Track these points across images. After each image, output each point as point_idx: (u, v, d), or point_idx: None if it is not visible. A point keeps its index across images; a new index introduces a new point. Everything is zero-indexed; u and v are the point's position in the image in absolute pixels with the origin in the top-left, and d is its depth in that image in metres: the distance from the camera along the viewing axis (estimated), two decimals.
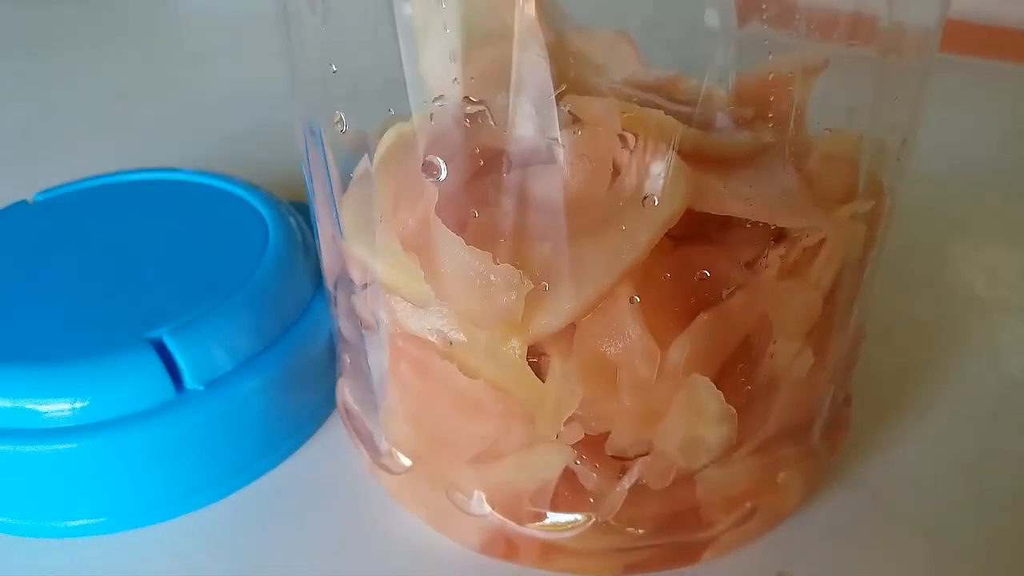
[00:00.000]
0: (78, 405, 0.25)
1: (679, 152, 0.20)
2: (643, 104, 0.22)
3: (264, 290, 0.28)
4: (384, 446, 0.25)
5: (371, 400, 0.25)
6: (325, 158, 0.21)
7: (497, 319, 0.19)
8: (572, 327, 0.20)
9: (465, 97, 0.18)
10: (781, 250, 0.21)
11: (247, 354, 0.27)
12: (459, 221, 0.20)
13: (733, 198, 0.19)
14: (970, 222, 0.40)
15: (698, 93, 0.25)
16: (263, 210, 0.32)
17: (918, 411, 0.29)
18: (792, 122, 0.23)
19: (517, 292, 0.19)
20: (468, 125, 0.18)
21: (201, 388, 0.26)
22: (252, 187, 0.33)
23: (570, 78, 0.24)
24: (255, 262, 0.29)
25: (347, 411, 0.27)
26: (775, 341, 0.20)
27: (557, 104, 0.20)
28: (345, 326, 0.25)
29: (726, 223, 0.20)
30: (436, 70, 0.20)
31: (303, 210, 0.34)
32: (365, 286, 0.22)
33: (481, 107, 0.18)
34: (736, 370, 0.20)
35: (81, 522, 0.26)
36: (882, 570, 0.24)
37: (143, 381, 0.25)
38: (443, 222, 0.19)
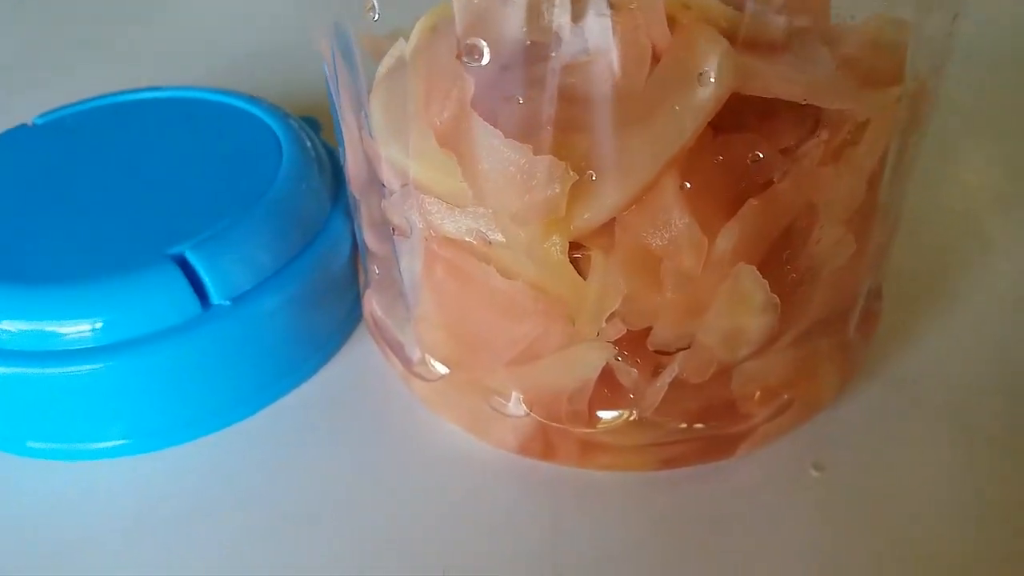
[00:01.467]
0: (102, 325, 0.25)
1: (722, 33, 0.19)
2: None
3: (282, 204, 0.28)
4: (417, 355, 0.25)
5: (402, 310, 0.25)
6: (353, 54, 0.20)
7: (540, 214, 0.19)
8: (613, 221, 0.20)
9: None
10: (824, 135, 0.20)
11: (270, 269, 0.27)
12: (495, 113, 0.19)
13: (779, 80, 0.19)
14: (992, 113, 0.39)
15: None
16: (274, 125, 0.31)
17: (945, 304, 0.29)
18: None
19: (561, 184, 0.18)
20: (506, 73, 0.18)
21: (228, 303, 0.26)
22: (261, 102, 0.32)
23: None
24: (271, 177, 0.28)
25: (376, 323, 0.27)
26: (821, 226, 0.20)
27: None
28: (371, 236, 0.24)
29: (766, 111, 0.20)
30: None
31: (313, 125, 0.33)
32: (395, 190, 0.22)
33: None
34: (781, 257, 0.20)
35: (109, 443, 0.26)
36: (914, 461, 0.25)
37: (168, 298, 0.25)
38: (479, 115, 0.19)
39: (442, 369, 0.24)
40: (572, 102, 0.20)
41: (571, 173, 0.18)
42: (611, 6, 0.20)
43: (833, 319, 0.23)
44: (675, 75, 0.19)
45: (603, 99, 0.19)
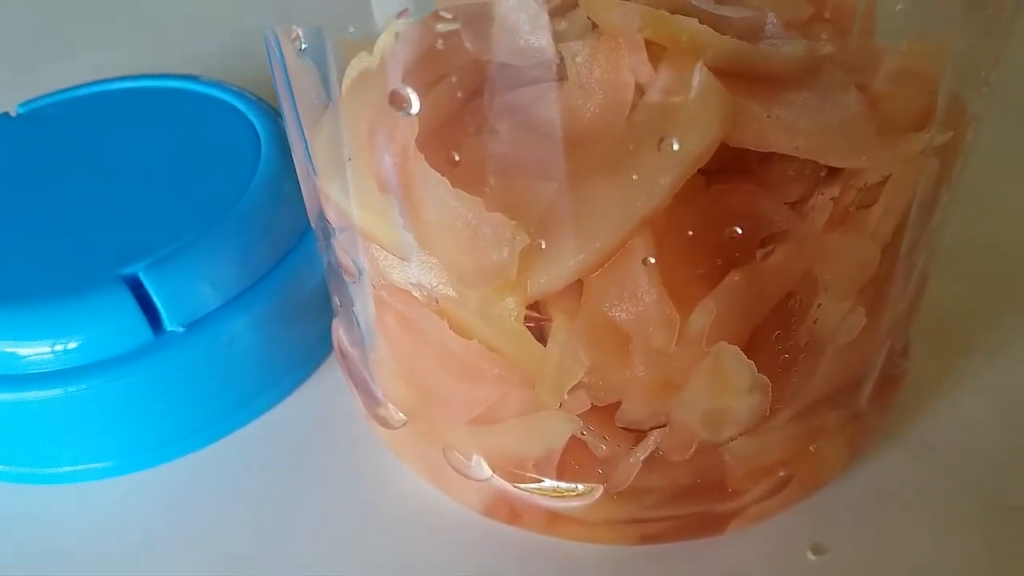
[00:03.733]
0: (49, 350, 0.23)
1: (715, 69, 0.16)
2: (677, 8, 0.19)
3: (254, 216, 0.26)
4: (380, 395, 0.23)
5: (363, 348, 0.22)
6: (288, 82, 0.18)
7: (488, 278, 0.16)
8: (580, 283, 0.17)
9: (434, 13, 0.15)
10: (835, 190, 0.17)
11: (234, 290, 0.25)
12: (446, 155, 0.17)
13: (777, 130, 0.16)
14: None
15: None
16: (255, 120, 0.29)
17: (986, 356, 0.26)
18: (856, 26, 0.20)
19: (509, 248, 0.16)
20: (442, 47, 0.15)
21: (181, 330, 0.24)
22: (244, 93, 0.30)
23: None
24: (246, 180, 0.26)
25: (343, 354, 0.25)
26: (820, 304, 0.17)
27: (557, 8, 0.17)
28: (329, 269, 0.22)
29: (770, 154, 0.17)
30: None
31: None
32: (342, 229, 0.19)
33: (455, 24, 0.15)
34: (772, 336, 0.17)
35: (60, 469, 0.25)
36: (930, 542, 0.22)
37: (117, 323, 0.23)
38: (425, 158, 0.16)
39: (402, 417, 0.22)
40: (537, 143, 0.17)
41: (520, 236, 0.16)
42: (593, 27, 0.18)
43: (842, 391, 0.20)
44: (653, 119, 0.16)
45: (573, 139, 0.17)
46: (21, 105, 0.31)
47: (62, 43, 0.47)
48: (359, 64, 0.16)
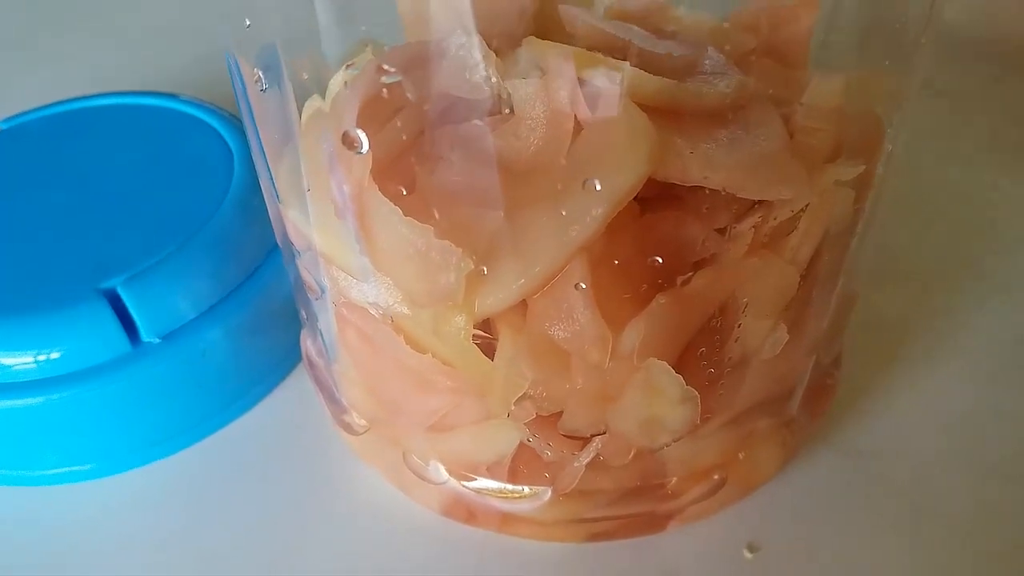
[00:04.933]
0: (32, 360, 0.24)
1: (646, 107, 0.18)
2: (616, 47, 0.20)
3: (227, 230, 0.27)
4: (345, 403, 0.24)
5: (328, 358, 0.24)
6: (252, 115, 0.19)
7: (437, 300, 0.18)
8: (524, 302, 0.19)
9: (378, 65, 0.16)
10: (755, 218, 0.19)
11: (207, 302, 0.26)
12: (396, 187, 0.18)
13: (700, 166, 0.17)
14: (994, 140, 0.37)
15: (688, 25, 0.23)
16: (229, 138, 0.30)
17: (916, 364, 0.27)
18: (788, 62, 0.21)
19: (456, 273, 0.17)
20: (387, 95, 0.16)
21: (157, 341, 0.25)
22: (218, 111, 0.31)
23: (534, 11, 0.22)
24: (219, 196, 0.28)
25: (311, 363, 0.26)
26: (740, 324, 0.18)
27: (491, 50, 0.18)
28: (295, 284, 0.23)
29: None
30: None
31: None
32: (306, 251, 0.21)
33: (397, 77, 0.16)
34: (698, 353, 0.19)
35: (51, 471, 0.26)
36: (859, 543, 0.23)
37: (97, 335, 0.25)
38: (379, 188, 0.18)
39: (365, 423, 0.24)
40: (489, 171, 0.18)
41: (466, 262, 0.17)
42: (539, 69, 0.19)
43: (772, 400, 0.22)
44: (589, 156, 0.18)
45: (515, 171, 0.18)
46: (3, 121, 0.32)
47: (36, 59, 0.47)
48: (312, 105, 0.18)
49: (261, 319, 0.27)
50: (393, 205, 0.18)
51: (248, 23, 0.17)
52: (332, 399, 0.25)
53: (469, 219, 0.18)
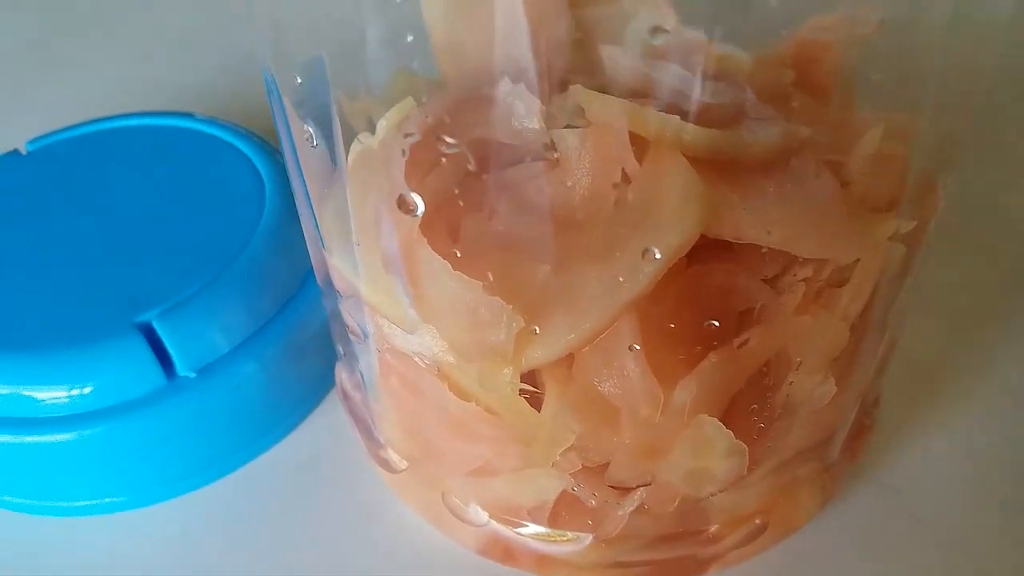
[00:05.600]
0: (67, 394, 0.24)
1: (695, 160, 0.17)
2: (659, 92, 0.20)
3: (261, 260, 0.27)
4: (381, 438, 0.24)
5: (366, 394, 0.24)
6: (297, 161, 0.19)
7: (485, 355, 0.18)
8: (571, 355, 0.18)
9: (439, 137, 0.16)
10: (807, 271, 0.18)
11: (243, 335, 0.26)
12: (447, 231, 0.18)
13: (755, 223, 0.17)
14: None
15: (725, 63, 0.23)
16: (258, 161, 0.30)
17: (955, 401, 0.27)
18: (835, 98, 0.21)
19: (507, 331, 0.17)
20: (446, 162, 0.16)
21: (193, 375, 0.25)
22: (246, 133, 0.31)
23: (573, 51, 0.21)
24: (252, 224, 0.27)
25: (345, 395, 0.26)
26: (791, 383, 0.18)
27: (551, 92, 0.18)
28: (333, 319, 0.23)
29: None
30: None
31: None
32: (350, 296, 0.20)
33: (457, 148, 0.16)
34: (749, 408, 0.18)
35: (84, 502, 0.26)
36: None
37: (132, 369, 0.24)
38: (428, 242, 0.18)
39: (404, 464, 0.23)
40: (536, 221, 0.18)
41: (517, 320, 0.17)
42: (584, 117, 0.19)
43: (814, 446, 0.22)
44: (638, 211, 0.17)
45: (561, 222, 0.18)
46: (30, 142, 0.32)
47: (58, 74, 0.47)
48: (356, 148, 0.18)
49: (295, 350, 0.27)
50: (443, 260, 0.17)
51: (299, 81, 0.17)
52: (368, 434, 0.25)
53: (517, 271, 0.18)
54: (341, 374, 0.26)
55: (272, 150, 0.31)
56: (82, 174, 0.31)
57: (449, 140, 0.16)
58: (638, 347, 0.17)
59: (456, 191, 0.18)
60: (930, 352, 0.28)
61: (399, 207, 0.16)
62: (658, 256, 0.16)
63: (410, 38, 0.20)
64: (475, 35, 0.20)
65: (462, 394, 0.19)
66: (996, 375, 0.28)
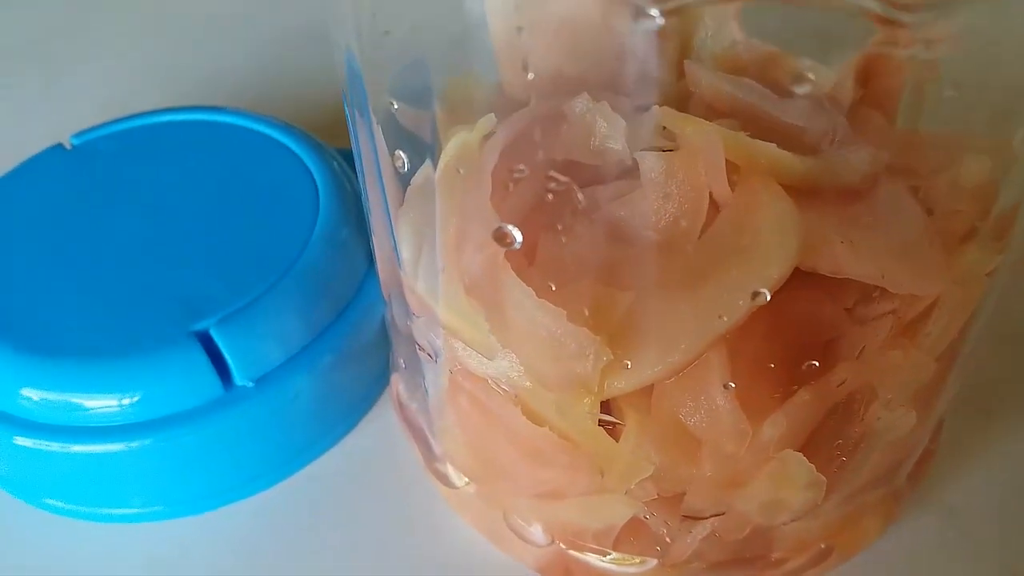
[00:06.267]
0: (123, 403, 0.24)
1: (788, 187, 0.17)
2: (745, 112, 0.20)
3: (317, 267, 0.26)
4: (440, 451, 0.24)
5: (426, 410, 0.24)
6: (381, 181, 0.19)
7: (569, 385, 0.18)
8: (651, 384, 0.18)
9: (549, 175, 0.15)
10: (893, 302, 0.18)
11: (298, 345, 0.26)
12: (525, 255, 0.18)
13: (855, 258, 0.17)
14: None
15: (801, 76, 0.22)
16: (310, 162, 0.29)
17: (1011, 421, 0.27)
18: (902, 116, 0.21)
19: (594, 363, 0.17)
20: (552, 199, 0.16)
21: (251, 385, 0.25)
22: (295, 130, 0.30)
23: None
24: (307, 230, 0.27)
25: (401, 405, 0.26)
26: (879, 418, 0.18)
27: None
28: (397, 338, 0.23)
29: None
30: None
31: (350, 159, 0.31)
32: (423, 315, 0.20)
33: (565, 184, 0.15)
34: (830, 441, 0.18)
35: (132, 510, 0.26)
36: None
37: (189, 379, 0.24)
38: (512, 267, 0.17)
39: (463, 480, 0.23)
40: (617, 246, 0.18)
41: (605, 352, 0.17)
42: (671, 140, 0.18)
43: (884, 476, 0.21)
44: (731, 241, 0.17)
45: (650, 249, 0.18)
46: (75, 136, 0.32)
47: (90, 64, 0.46)
48: (457, 141, 0.17)
49: (350, 358, 0.27)
50: (526, 287, 0.17)
51: (395, 106, 0.16)
52: (425, 446, 0.24)
53: (603, 298, 0.17)
54: (398, 384, 0.26)
55: (322, 149, 0.30)
56: (130, 170, 0.30)
57: (559, 177, 0.15)
58: (732, 385, 0.17)
59: (529, 209, 0.17)
60: (990, 374, 0.28)
61: (497, 240, 0.16)
62: (768, 297, 0.16)
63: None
64: (544, 40, 0.19)
65: (536, 419, 0.19)
66: None
